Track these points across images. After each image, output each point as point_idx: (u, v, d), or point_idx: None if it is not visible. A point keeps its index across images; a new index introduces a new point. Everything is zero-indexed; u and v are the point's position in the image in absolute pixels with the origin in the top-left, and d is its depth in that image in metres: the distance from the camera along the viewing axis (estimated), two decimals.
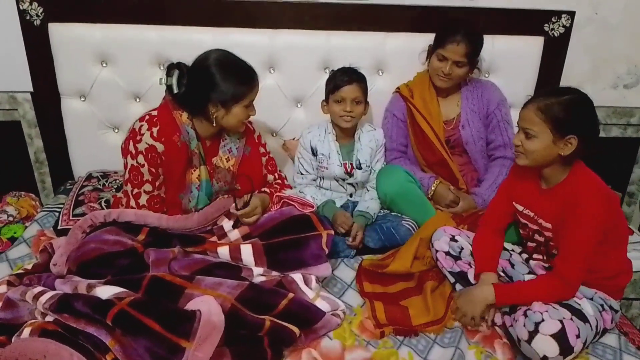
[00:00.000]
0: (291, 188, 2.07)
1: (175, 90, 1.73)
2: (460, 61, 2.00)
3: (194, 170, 1.82)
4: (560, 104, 1.49)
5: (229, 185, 1.88)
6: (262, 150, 2.00)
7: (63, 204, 2.10)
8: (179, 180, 1.79)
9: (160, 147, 1.71)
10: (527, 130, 1.53)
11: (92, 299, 1.40)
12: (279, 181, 2.03)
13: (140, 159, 1.70)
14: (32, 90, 2.25)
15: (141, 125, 1.72)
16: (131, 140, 1.72)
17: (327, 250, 1.69)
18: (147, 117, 1.74)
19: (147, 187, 1.74)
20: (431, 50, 2.07)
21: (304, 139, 2.11)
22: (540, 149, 1.52)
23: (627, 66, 2.39)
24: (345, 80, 1.97)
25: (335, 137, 2.08)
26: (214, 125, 1.77)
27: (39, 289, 1.48)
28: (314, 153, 2.08)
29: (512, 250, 1.78)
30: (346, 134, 2.09)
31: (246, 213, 1.77)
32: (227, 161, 1.88)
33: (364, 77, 2.02)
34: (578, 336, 1.41)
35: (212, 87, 1.71)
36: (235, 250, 1.68)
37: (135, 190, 1.74)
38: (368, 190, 2.12)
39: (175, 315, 1.36)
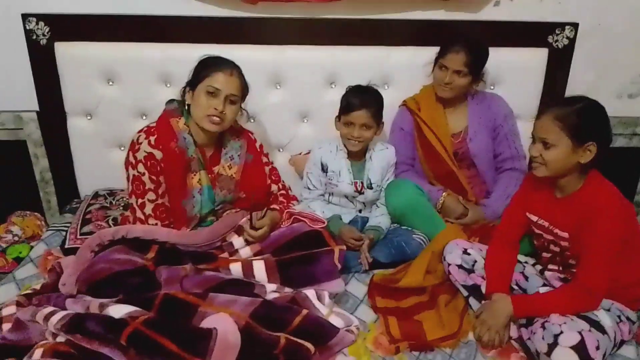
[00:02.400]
0: (297, 199, 2.06)
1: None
2: (460, 70, 2.01)
3: (194, 175, 1.82)
4: (576, 112, 1.49)
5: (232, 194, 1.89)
6: (264, 159, 2.00)
7: (69, 223, 2.08)
8: (180, 186, 1.79)
9: (158, 154, 1.73)
10: (545, 140, 1.52)
11: (105, 318, 1.38)
12: (283, 192, 2.02)
13: (140, 167, 1.72)
14: (38, 109, 2.25)
15: (139, 136, 1.76)
16: (131, 151, 1.75)
17: (339, 266, 1.68)
18: (145, 128, 1.79)
19: (151, 195, 1.75)
20: (435, 62, 2.09)
21: (314, 154, 2.08)
22: (560, 158, 1.51)
23: (630, 76, 2.40)
24: (356, 104, 1.92)
25: (346, 154, 2.04)
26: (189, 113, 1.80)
27: (50, 309, 1.46)
28: (324, 169, 2.05)
29: (526, 262, 1.76)
30: (357, 153, 2.05)
31: (260, 235, 1.79)
32: (229, 169, 1.88)
33: (378, 99, 1.97)
34: (598, 348, 1.39)
35: (190, 75, 1.80)
36: (247, 267, 1.67)
37: (140, 201, 1.75)
38: (378, 207, 2.09)
39: (191, 334, 1.35)
